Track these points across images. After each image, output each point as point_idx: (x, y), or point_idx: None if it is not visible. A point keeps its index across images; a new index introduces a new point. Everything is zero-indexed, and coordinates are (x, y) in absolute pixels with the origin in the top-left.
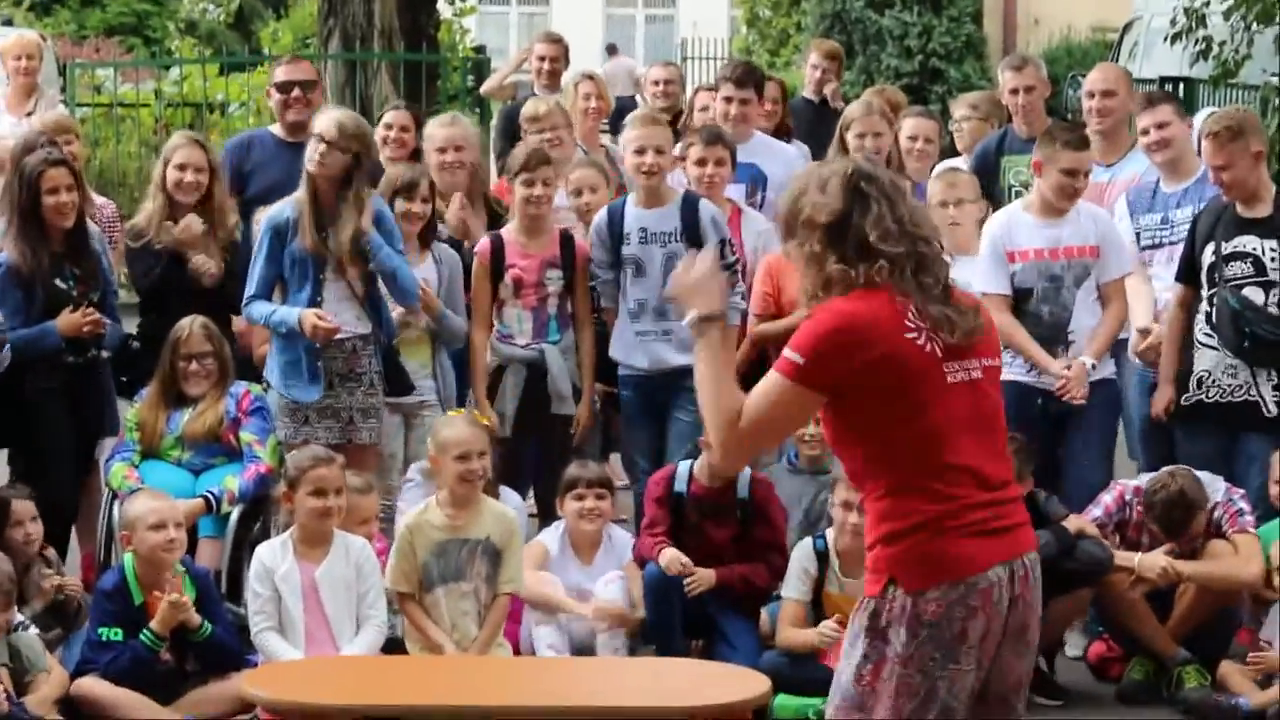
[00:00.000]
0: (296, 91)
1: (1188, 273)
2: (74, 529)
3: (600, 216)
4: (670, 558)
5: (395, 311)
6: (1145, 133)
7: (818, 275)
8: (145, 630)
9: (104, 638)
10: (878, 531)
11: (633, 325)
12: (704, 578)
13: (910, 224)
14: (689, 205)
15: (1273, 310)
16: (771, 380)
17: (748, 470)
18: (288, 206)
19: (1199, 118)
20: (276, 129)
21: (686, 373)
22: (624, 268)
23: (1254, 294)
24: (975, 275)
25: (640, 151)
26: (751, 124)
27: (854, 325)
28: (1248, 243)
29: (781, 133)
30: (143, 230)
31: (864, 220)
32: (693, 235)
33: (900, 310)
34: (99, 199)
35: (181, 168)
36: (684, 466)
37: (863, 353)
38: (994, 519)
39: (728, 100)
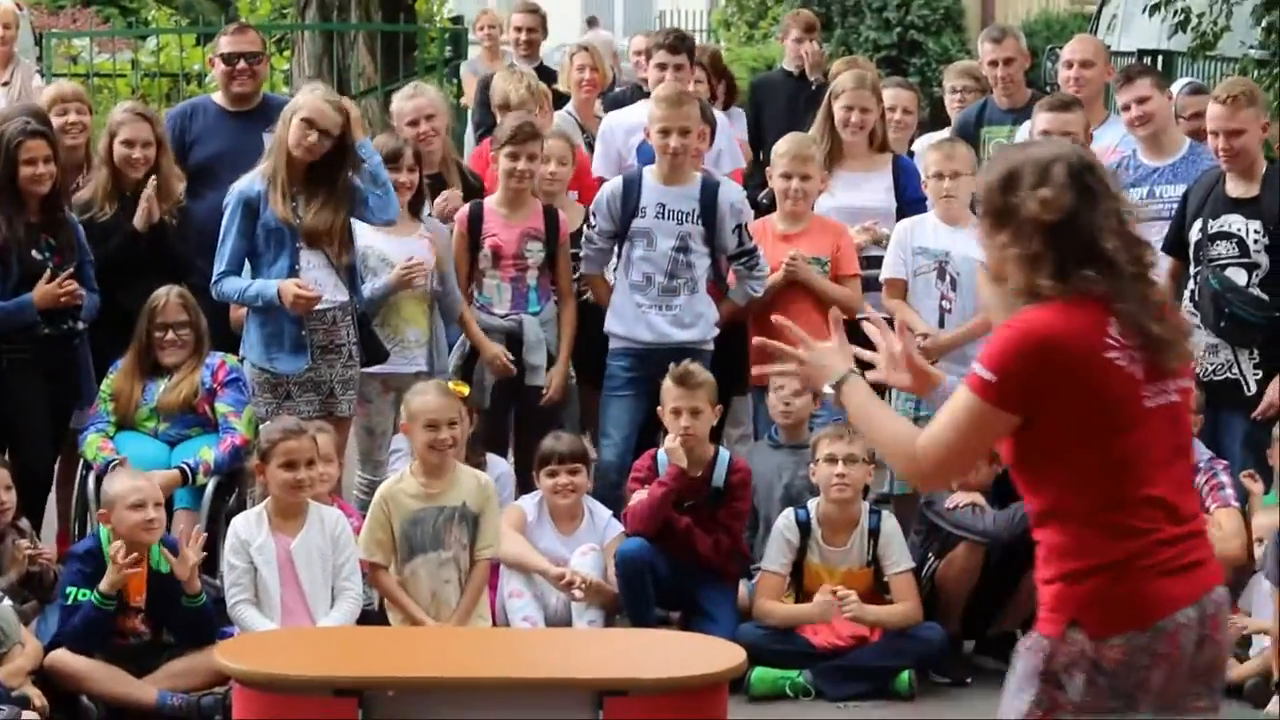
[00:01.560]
0: (242, 64)
1: (1176, 246)
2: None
3: (614, 185)
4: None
5: (385, 278)
6: (1126, 108)
7: (1028, 281)
8: (94, 592)
9: (70, 598)
10: (1059, 567)
11: (633, 297)
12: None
13: (1132, 224)
14: (709, 188)
15: (1254, 291)
16: (961, 399)
17: (726, 458)
18: (256, 179)
19: (1175, 89)
20: (219, 97)
21: (684, 351)
22: (633, 240)
23: (1236, 274)
24: (970, 246)
25: (665, 133)
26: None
27: (1050, 340)
28: (1233, 222)
29: (714, 100)
30: (89, 204)
31: (1092, 218)
32: (709, 218)
33: (1103, 325)
34: None
35: (129, 144)
36: (664, 457)
37: (1059, 371)
38: (1183, 554)
39: (661, 67)
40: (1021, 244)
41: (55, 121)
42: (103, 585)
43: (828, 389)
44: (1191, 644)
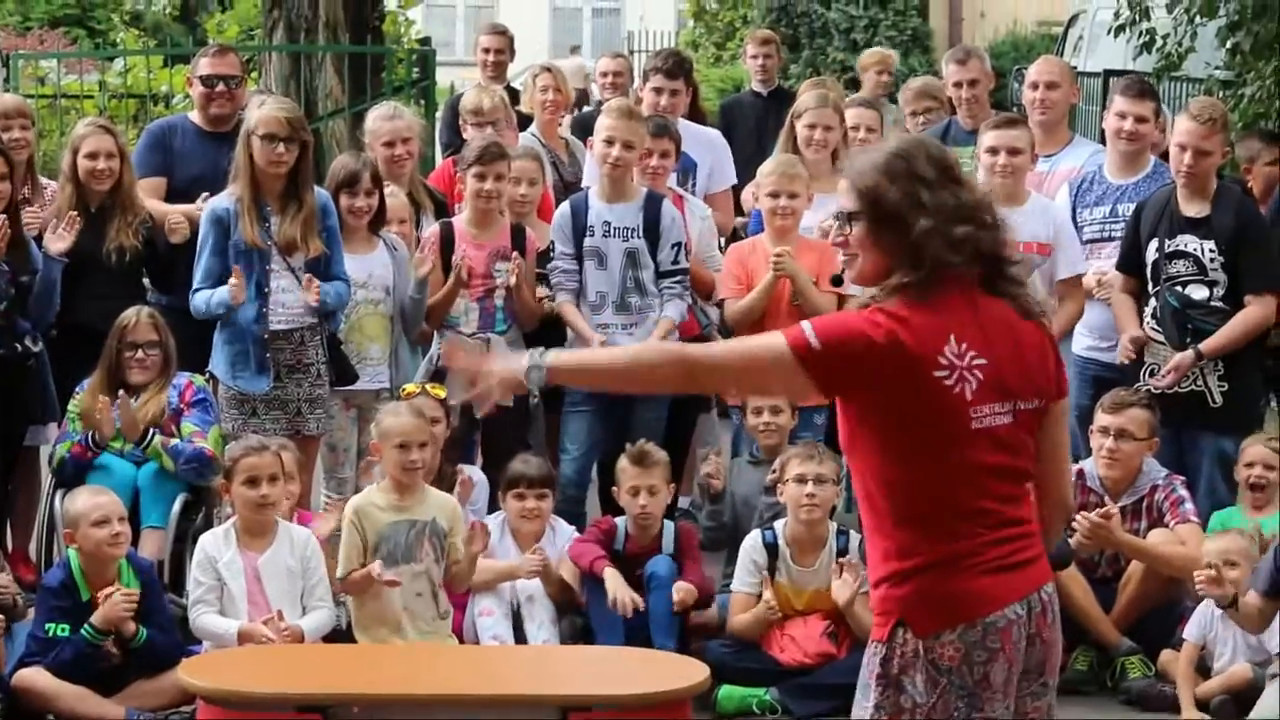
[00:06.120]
0: (221, 86)
1: (1132, 264)
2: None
3: (564, 209)
4: (616, 587)
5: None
6: (1122, 117)
7: (896, 275)
8: (86, 625)
9: (50, 633)
10: (883, 570)
11: (594, 317)
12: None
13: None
14: (652, 204)
15: (1216, 304)
16: (772, 338)
17: (671, 527)
18: (226, 199)
19: None
20: (196, 118)
21: None
22: (586, 260)
23: (1197, 291)
24: None
25: (609, 142)
26: (679, 113)
27: (885, 347)
28: (1188, 242)
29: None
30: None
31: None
32: (652, 234)
33: (942, 340)
34: (51, 184)
35: (92, 156)
36: (621, 525)
37: (879, 377)
38: (1010, 555)
39: (658, 91)
40: (900, 234)
41: None
42: (96, 620)
43: (532, 386)
44: (1023, 641)
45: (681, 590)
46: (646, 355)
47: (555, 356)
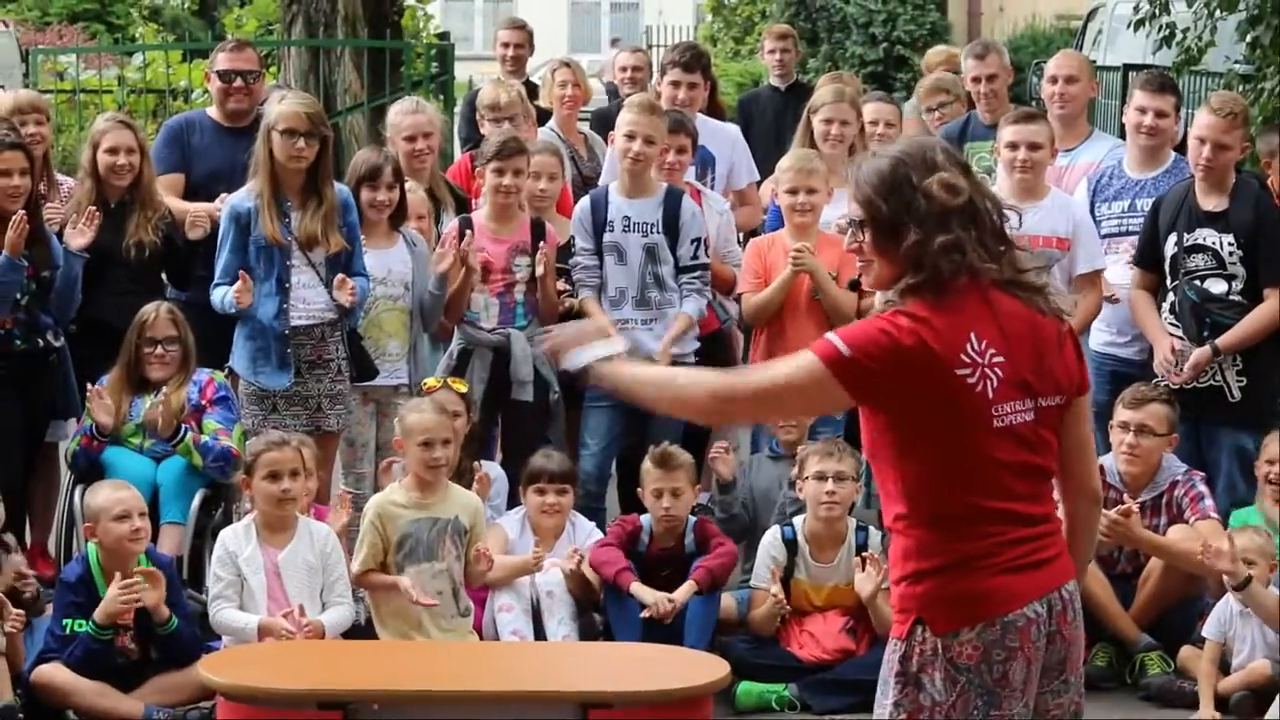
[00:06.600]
0: (239, 81)
1: (1149, 258)
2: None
3: (583, 204)
4: (652, 596)
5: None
6: (1142, 111)
7: (911, 279)
8: (90, 622)
9: (68, 629)
10: (904, 568)
11: (614, 313)
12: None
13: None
14: (672, 200)
15: (1234, 298)
16: (804, 358)
17: (691, 522)
18: (246, 196)
19: None
20: (214, 113)
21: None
22: (606, 254)
23: (1215, 285)
24: None
25: (630, 137)
26: (697, 107)
27: (913, 350)
28: (1206, 236)
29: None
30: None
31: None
32: (672, 229)
33: (964, 337)
34: (67, 180)
35: (113, 151)
36: (646, 523)
37: (909, 380)
38: (1031, 553)
39: (675, 84)
40: (923, 237)
41: None
42: (98, 615)
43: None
44: (1043, 639)
45: (676, 597)
46: (708, 376)
47: (619, 371)
